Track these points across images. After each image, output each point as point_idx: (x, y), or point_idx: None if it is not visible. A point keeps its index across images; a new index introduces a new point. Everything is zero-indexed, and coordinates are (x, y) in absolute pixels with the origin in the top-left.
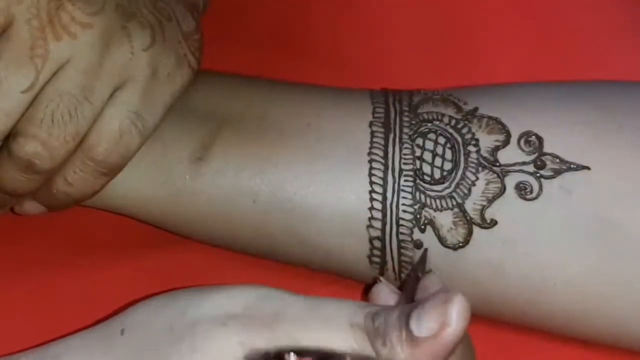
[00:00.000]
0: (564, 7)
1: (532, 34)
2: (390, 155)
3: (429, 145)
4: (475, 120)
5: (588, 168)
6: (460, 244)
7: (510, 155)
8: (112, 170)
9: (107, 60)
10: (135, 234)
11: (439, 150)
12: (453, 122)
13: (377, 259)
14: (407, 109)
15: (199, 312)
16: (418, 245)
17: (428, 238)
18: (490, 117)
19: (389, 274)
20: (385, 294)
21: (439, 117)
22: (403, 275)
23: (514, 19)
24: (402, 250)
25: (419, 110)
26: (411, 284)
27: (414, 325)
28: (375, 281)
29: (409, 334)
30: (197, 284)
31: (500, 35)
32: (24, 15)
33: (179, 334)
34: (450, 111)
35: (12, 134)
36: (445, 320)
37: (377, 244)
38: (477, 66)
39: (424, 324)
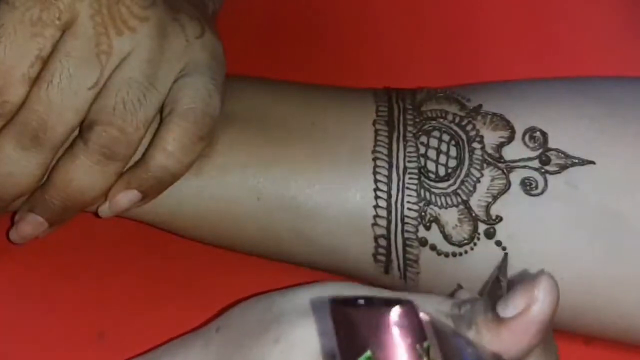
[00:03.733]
0: (566, 4)
1: (535, 31)
2: (394, 153)
3: (434, 142)
4: (479, 117)
5: (593, 162)
6: (466, 241)
7: (515, 151)
8: (209, 133)
9: (166, 49)
10: (138, 237)
11: (444, 147)
12: (457, 119)
13: (382, 257)
14: (410, 107)
15: (285, 306)
16: (423, 242)
17: (433, 235)
18: (494, 114)
19: (394, 272)
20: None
21: (443, 115)
22: (408, 274)
23: (516, 17)
24: (407, 248)
25: (423, 108)
26: (492, 289)
27: (500, 308)
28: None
29: (495, 316)
30: (201, 286)
31: (502, 33)
32: (87, 11)
33: (265, 326)
34: (454, 108)
35: (85, 127)
36: (532, 297)
37: (382, 242)
38: (480, 64)
39: (510, 304)
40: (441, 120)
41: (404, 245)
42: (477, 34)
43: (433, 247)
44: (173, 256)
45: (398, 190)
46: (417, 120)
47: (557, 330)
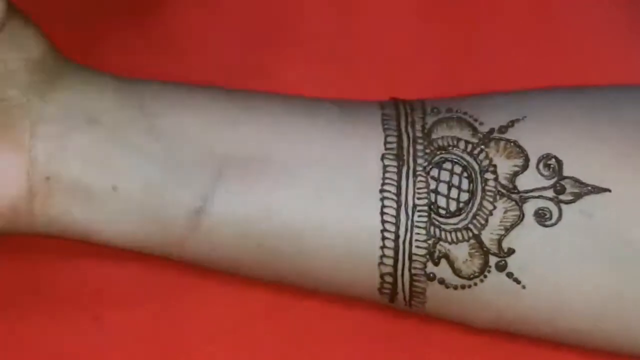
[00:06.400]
0: (571, 7)
1: (540, 33)
2: (403, 190)
3: (445, 176)
4: (492, 144)
5: (609, 190)
6: (476, 274)
7: (529, 180)
8: None
9: None
10: None
11: (455, 180)
12: (469, 147)
13: (387, 291)
14: (420, 134)
15: None
16: (431, 277)
17: (442, 270)
18: (507, 140)
19: (399, 302)
20: None
21: (455, 143)
22: (413, 303)
23: (519, 19)
24: (415, 283)
25: (434, 136)
26: None
27: None
28: None
29: None
30: (200, 281)
31: (506, 35)
32: None
33: None
34: (465, 134)
35: None
36: None
37: (388, 279)
38: (484, 67)
39: None
40: (452, 149)
41: (411, 280)
42: (480, 38)
43: (441, 281)
44: None
45: (406, 230)
46: (428, 151)
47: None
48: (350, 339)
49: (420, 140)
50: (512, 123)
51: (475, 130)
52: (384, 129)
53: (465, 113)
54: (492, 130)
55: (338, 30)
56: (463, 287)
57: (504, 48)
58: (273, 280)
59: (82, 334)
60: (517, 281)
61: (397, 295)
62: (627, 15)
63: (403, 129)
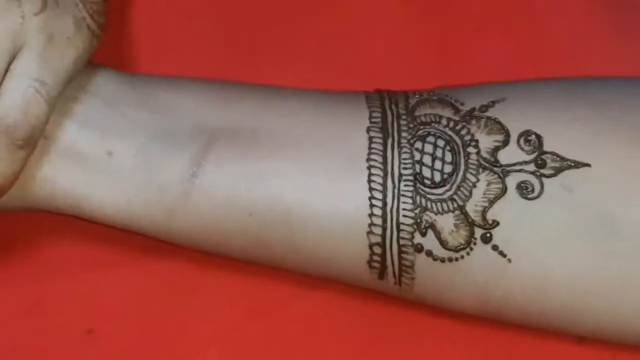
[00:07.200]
0: (554, 3)
1: (523, 30)
2: (389, 160)
3: (429, 148)
4: (473, 121)
5: (588, 165)
6: (462, 246)
7: (510, 155)
8: (27, 143)
9: None
10: (131, 232)
11: (439, 153)
12: (451, 123)
13: (376, 264)
14: (404, 112)
15: None
16: (419, 249)
17: (429, 241)
18: (488, 117)
19: (389, 278)
20: None
21: (437, 119)
22: (403, 279)
23: (504, 16)
24: (403, 255)
25: (417, 113)
26: None
27: None
28: None
29: None
30: (194, 287)
31: (491, 32)
32: None
33: None
34: (447, 112)
35: None
36: None
37: (377, 249)
38: (468, 65)
39: None
40: (435, 125)
41: (399, 252)
42: (466, 34)
43: (429, 253)
44: (166, 252)
45: (393, 197)
46: (411, 125)
47: (550, 332)
48: (348, 336)
49: (403, 117)
50: (492, 103)
51: (456, 109)
52: (369, 106)
53: (446, 95)
54: (473, 109)
55: (324, 34)
56: (450, 259)
57: (490, 51)
58: (263, 259)
59: (74, 351)
60: (503, 254)
61: (387, 270)
62: (614, 15)
63: (387, 107)
